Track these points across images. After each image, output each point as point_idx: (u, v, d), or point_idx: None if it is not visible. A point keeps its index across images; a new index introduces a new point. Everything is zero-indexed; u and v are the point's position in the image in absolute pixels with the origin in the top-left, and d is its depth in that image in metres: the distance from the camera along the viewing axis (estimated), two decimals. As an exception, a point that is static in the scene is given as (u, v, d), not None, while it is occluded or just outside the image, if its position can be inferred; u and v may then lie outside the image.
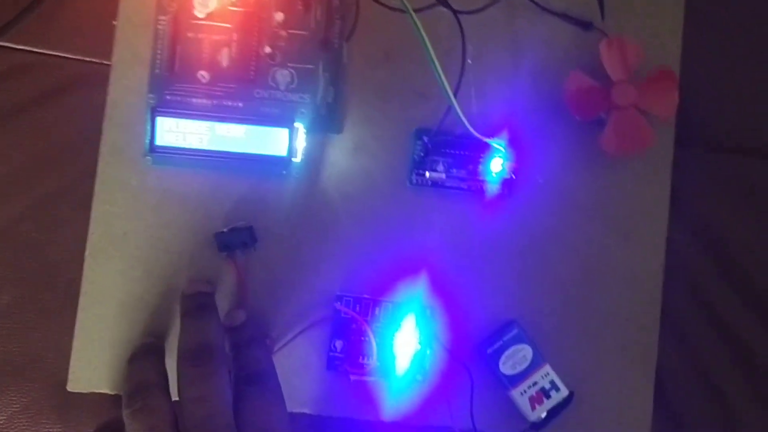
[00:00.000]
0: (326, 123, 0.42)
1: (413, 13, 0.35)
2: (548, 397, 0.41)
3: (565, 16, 0.43)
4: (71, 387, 0.42)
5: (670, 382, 0.43)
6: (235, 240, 0.42)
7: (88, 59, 0.43)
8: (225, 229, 0.42)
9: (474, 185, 0.43)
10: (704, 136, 0.44)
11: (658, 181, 0.43)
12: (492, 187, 0.43)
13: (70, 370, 0.42)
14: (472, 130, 0.37)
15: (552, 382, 0.41)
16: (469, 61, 0.38)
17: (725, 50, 0.45)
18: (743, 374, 0.43)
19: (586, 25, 0.43)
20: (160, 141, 0.41)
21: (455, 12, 0.38)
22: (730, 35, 0.45)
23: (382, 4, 0.40)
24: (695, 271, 0.44)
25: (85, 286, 0.42)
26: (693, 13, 0.43)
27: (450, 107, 0.37)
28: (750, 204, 0.44)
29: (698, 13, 0.43)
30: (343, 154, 0.43)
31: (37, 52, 0.43)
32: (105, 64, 0.42)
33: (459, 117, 0.36)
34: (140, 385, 0.36)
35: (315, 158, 0.43)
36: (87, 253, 0.42)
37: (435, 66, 0.34)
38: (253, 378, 0.37)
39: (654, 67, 0.41)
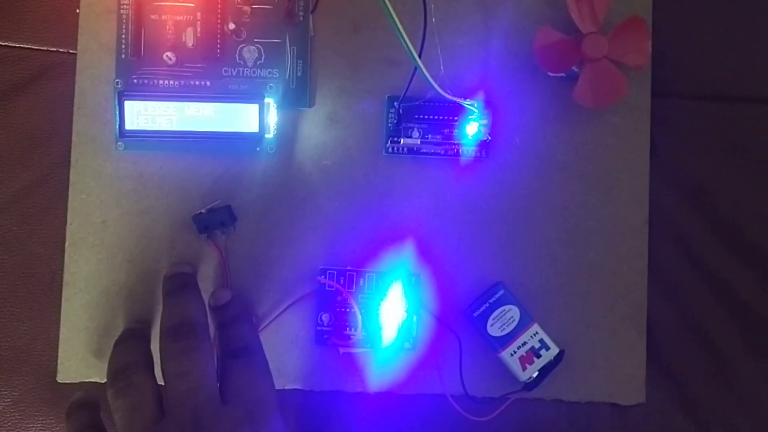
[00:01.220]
0: (297, 97, 0.42)
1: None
2: (538, 356, 0.41)
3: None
4: (61, 378, 0.42)
5: (661, 335, 0.43)
6: (214, 220, 0.41)
7: (54, 49, 0.43)
8: (203, 210, 0.41)
9: (450, 149, 0.42)
10: (680, 84, 0.43)
11: (637, 132, 0.43)
12: (468, 150, 0.42)
13: (59, 362, 0.42)
14: (438, 88, 0.36)
15: (541, 341, 0.41)
16: (434, 20, 0.37)
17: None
18: (734, 323, 0.43)
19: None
20: (129, 125, 0.40)
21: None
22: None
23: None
24: (679, 221, 0.43)
25: (68, 276, 0.42)
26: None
27: (416, 69, 0.36)
28: (729, 150, 0.43)
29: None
30: (317, 127, 0.43)
31: (2, 46, 0.43)
32: (71, 53, 0.42)
33: (424, 76, 0.36)
34: (124, 365, 0.36)
35: (289, 133, 0.42)
36: (67, 243, 0.42)
37: (394, 24, 0.33)
38: (238, 352, 0.37)
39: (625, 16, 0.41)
